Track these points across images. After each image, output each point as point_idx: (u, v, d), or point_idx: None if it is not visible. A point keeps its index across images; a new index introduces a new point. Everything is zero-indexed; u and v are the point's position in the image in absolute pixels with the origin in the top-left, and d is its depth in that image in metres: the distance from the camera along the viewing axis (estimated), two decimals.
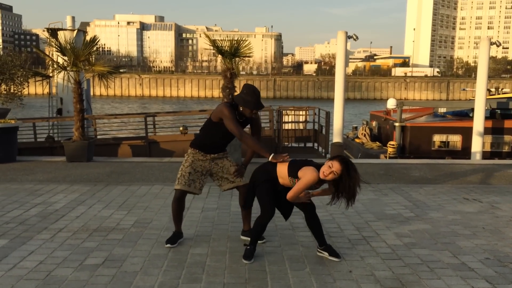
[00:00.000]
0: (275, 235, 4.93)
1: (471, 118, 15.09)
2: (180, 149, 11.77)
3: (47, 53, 11.44)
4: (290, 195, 4.05)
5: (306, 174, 3.91)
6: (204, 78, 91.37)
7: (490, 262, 4.24)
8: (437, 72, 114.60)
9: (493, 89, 31.45)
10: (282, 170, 4.10)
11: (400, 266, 4.11)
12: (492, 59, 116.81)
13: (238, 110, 4.35)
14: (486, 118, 14.75)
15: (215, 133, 4.45)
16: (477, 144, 13.58)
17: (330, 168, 3.85)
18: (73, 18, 14.08)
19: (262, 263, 4.15)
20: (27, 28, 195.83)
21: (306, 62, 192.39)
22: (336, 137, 11.41)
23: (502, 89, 35.78)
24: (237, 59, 10.23)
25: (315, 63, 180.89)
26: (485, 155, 14.78)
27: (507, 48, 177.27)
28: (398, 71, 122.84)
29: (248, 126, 4.57)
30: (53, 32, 12.58)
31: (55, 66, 10.17)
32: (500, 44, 15.11)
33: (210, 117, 4.46)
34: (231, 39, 10.16)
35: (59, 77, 12.03)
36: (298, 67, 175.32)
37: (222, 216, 5.65)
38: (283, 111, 13.15)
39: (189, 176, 4.49)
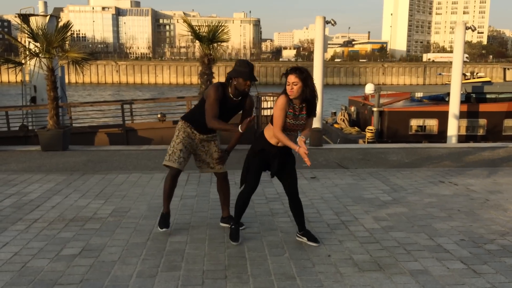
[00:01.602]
0: (254, 221, 4.93)
1: (447, 103, 15.34)
2: (158, 136, 11.65)
3: (19, 40, 11.12)
4: (274, 130, 3.96)
5: (276, 103, 3.98)
6: (182, 64, 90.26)
7: (465, 243, 4.32)
8: (466, 57, 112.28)
9: (468, 74, 31.96)
10: (268, 130, 4.08)
11: (378, 249, 4.16)
12: (468, 44, 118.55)
13: (230, 89, 4.27)
14: (462, 102, 15.02)
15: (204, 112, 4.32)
16: (453, 128, 13.83)
17: (289, 84, 3.88)
18: (45, 3, 13.68)
19: (241, 249, 4.15)
20: None
21: (285, 48, 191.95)
22: (315, 123, 11.43)
23: (477, 73, 36.41)
24: (215, 44, 10.13)
25: (294, 48, 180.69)
26: (461, 139, 15.08)
27: (482, 32, 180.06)
28: (425, 58, 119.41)
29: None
30: (25, 17, 12.19)
31: (27, 53, 9.90)
32: (475, 29, 15.32)
33: (203, 96, 4.41)
34: (208, 24, 10.04)
35: (32, 64, 11.69)
36: (277, 52, 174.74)
37: (201, 203, 5.62)
38: (262, 97, 13.10)
39: (180, 153, 4.41)
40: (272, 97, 14.43)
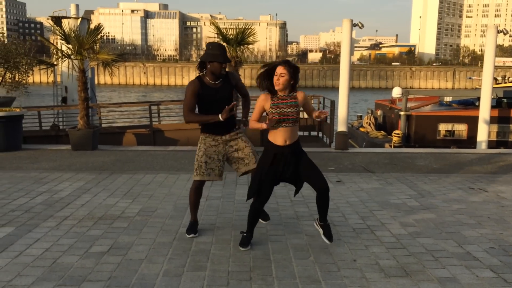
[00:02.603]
0: (279, 223, 4.94)
1: (477, 107, 14.98)
2: (184, 137, 11.77)
3: (52, 42, 11.42)
4: (250, 122, 4.05)
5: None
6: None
7: (495, 251, 4.23)
8: None
9: (499, 78, 31.17)
10: (270, 133, 4.06)
11: (405, 255, 4.11)
12: (499, 48, 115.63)
13: (207, 76, 4.29)
14: (492, 107, 14.64)
15: (208, 107, 4.33)
16: (483, 133, 13.49)
17: (276, 75, 3.90)
18: (77, 6, 14.01)
19: (266, 251, 4.16)
20: (31, 16, 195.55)
21: (311, 51, 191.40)
22: (341, 126, 11.36)
23: (509, 77, 35.47)
24: (242, 47, 10.18)
25: (320, 51, 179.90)
26: (491, 145, 14.71)
27: None
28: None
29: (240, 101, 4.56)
30: (57, 20, 12.53)
31: (60, 54, 10.15)
32: (507, 32, 14.94)
33: None
34: (236, 27, 10.10)
35: (63, 66, 11.99)
36: (302, 55, 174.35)
37: (226, 204, 5.66)
38: None
39: (205, 165, 4.38)
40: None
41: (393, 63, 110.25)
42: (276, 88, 3.92)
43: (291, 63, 3.97)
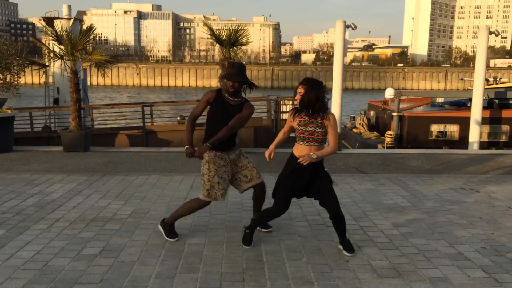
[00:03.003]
0: (272, 225, 4.92)
1: (469, 108, 15.08)
2: (177, 139, 11.74)
3: (44, 42, 11.35)
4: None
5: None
6: (202, 67, 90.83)
7: (486, 251, 4.25)
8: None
9: (491, 79, 31.41)
10: (296, 148, 4.13)
11: (397, 256, 4.12)
12: (491, 49, 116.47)
13: (227, 92, 4.32)
14: (484, 108, 14.76)
15: (216, 120, 4.29)
16: (475, 134, 13.58)
17: (299, 94, 4.00)
18: (69, 6, 13.95)
19: (259, 252, 4.15)
20: (23, 17, 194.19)
21: (304, 52, 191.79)
22: None
23: (500, 78, 35.75)
24: (235, 48, 10.17)
25: (313, 52, 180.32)
26: (483, 145, 14.81)
27: (506, 37, 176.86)
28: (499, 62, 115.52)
29: None
30: (50, 21, 12.46)
31: (52, 55, 10.09)
32: (499, 34, 15.04)
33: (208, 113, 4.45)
34: (229, 28, 10.09)
35: (55, 67, 11.92)
36: (296, 56, 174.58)
37: (219, 206, 5.64)
38: (281, 101, 13.10)
39: (218, 185, 4.28)
40: (291, 101, 14.43)
41: (398, 65, 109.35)
42: (297, 104, 4.05)
43: (309, 80, 4.02)
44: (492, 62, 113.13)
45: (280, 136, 4.32)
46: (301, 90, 3.98)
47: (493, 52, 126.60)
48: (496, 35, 14.54)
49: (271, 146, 4.22)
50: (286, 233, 4.68)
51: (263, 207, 4.69)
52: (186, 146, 4.28)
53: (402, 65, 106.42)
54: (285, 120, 13.83)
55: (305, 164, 3.94)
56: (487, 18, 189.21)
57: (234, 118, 4.26)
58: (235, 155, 4.44)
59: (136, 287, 3.45)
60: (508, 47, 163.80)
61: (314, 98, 3.94)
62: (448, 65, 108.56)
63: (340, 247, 4.23)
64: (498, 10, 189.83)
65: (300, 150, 4.05)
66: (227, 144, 4.35)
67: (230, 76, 4.26)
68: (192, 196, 6.03)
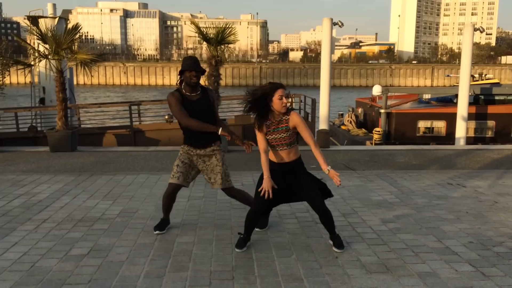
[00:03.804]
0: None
1: (455, 104, 15.25)
2: (165, 137, 11.69)
3: (28, 42, 11.21)
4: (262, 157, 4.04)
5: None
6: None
7: (473, 245, 4.30)
8: None
9: (476, 75, 31.75)
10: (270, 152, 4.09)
11: (385, 251, 4.15)
12: (476, 45, 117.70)
13: (184, 88, 4.36)
14: (470, 104, 14.93)
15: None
16: (461, 130, 13.74)
17: (281, 98, 3.89)
18: (54, 5, 13.79)
19: (249, 250, 4.15)
20: (7, 16, 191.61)
21: (292, 50, 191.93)
22: (322, 124, 11.44)
23: (486, 75, 36.17)
24: (222, 46, 10.14)
25: (301, 50, 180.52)
26: (469, 141, 14.98)
27: (491, 34, 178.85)
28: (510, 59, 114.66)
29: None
30: (34, 20, 12.31)
31: (37, 54, 9.97)
32: (484, 30, 15.23)
33: None
34: (216, 26, 10.06)
35: (41, 66, 11.79)
36: (284, 54, 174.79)
37: (208, 204, 5.63)
38: None
39: (177, 168, 4.46)
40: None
41: (370, 62, 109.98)
42: (283, 111, 3.93)
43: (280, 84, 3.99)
44: (504, 59, 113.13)
45: (264, 158, 4.02)
46: (284, 93, 3.90)
47: (478, 49, 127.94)
48: (481, 32, 14.72)
49: (268, 179, 3.94)
50: (275, 231, 4.69)
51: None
52: (219, 129, 4.25)
53: (383, 61, 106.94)
54: None
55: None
56: (472, 15, 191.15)
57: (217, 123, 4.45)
58: (204, 151, 4.46)
59: (125, 287, 3.43)
60: (493, 44, 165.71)
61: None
62: (434, 62, 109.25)
63: (330, 242, 4.24)
64: (483, 7, 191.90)
65: (275, 154, 4.07)
66: (201, 141, 4.41)
67: (190, 66, 4.29)
68: (181, 195, 6.01)
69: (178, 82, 4.45)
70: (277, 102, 3.89)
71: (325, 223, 4.17)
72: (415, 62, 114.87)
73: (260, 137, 4.04)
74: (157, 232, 4.57)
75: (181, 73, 4.36)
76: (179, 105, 4.28)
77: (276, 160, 4.08)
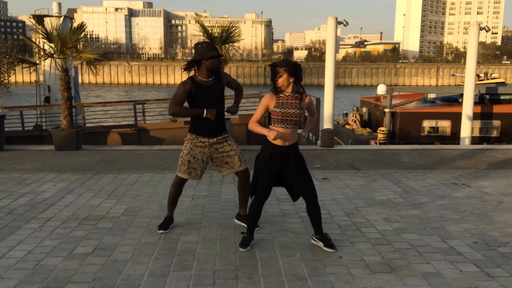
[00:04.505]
0: (265, 221, 4.93)
1: (460, 104, 15.19)
2: (170, 136, 11.70)
3: (34, 40, 11.25)
4: (251, 124, 4.06)
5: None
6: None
7: (478, 246, 4.28)
8: None
9: (482, 75, 31.65)
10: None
11: (390, 251, 4.14)
12: (482, 45, 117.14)
13: (200, 74, 4.35)
14: (475, 103, 14.84)
15: (203, 106, 4.35)
16: (466, 129, 13.68)
17: (277, 74, 3.94)
18: (59, 4, 13.81)
19: (252, 250, 4.15)
20: (13, 15, 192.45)
21: (297, 49, 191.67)
22: (327, 124, 11.42)
23: (491, 74, 36.00)
24: (227, 45, 10.15)
25: (306, 49, 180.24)
26: (474, 140, 14.91)
27: (496, 33, 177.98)
28: None
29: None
30: (39, 19, 12.34)
31: (42, 53, 10.01)
32: (489, 30, 15.14)
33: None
34: (221, 25, 10.06)
35: (46, 65, 11.83)
36: (288, 53, 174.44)
37: (212, 203, 5.63)
38: None
39: (188, 164, 4.46)
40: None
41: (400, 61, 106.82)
42: (278, 86, 3.96)
43: (289, 61, 4.00)
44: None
45: (255, 123, 4.09)
46: (280, 69, 3.93)
47: (484, 48, 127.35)
48: (487, 31, 14.64)
49: (270, 129, 4.00)
50: (279, 230, 4.69)
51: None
52: (204, 110, 4.29)
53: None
54: None
55: (289, 144, 3.98)
56: (477, 14, 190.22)
57: (238, 91, 4.68)
58: (216, 139, 4.48)
59: (129, 285, 3.44)
60: (499, 43, 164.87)
61: (299, 78, 3.97)
62: (440, 61, 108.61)
63: (319, 244, 4.18)
64: (489, 6, 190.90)
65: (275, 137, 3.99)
66: (212, 130, 4.43)
67: (217, 52, 4.33)
68: (185, 194, 6.02)
69: (186, 68, 4.39)
70: (278, 79, 3.95)
71: (313, 217, 4.15)
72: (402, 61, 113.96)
73: (262, 108, 4.05)
74: (161, 231, 4.58)
75: (197, 61, 4.31)
76: (181, 95, 4.28)
77: (278, 142, 4.02)
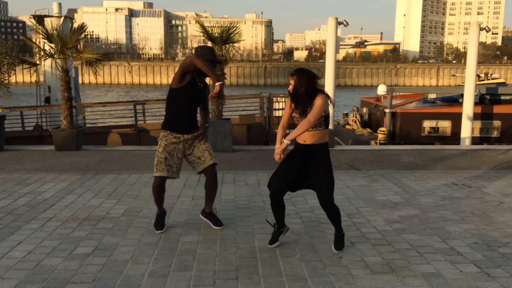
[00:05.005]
0: (265, 222, 4.92)
1: (461, 104, 15.19)
2: None
3: (34, 41, 11.25)
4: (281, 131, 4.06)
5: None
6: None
7: (478, 246, 4.28)
8: None
9: (482, 75, 31.62)
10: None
11: (390, 252, 4.14)
12: (482, 45, 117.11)
13: (202, 76, 4.47)
14: (476, 103, 14.85)
15: (178, 102, 4.42)
16: (467, 130, 13.69)
17: (290, 85, 3.96)
18: (59, 4, 13.81)
19: (252, 250, 4.15)
20: (13, 15, 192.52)
21: (297, 49, 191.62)
22: None
23: (492, 74, 36.01)
24: (227, 45, 10.14)
25: (306, 49, 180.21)
26: (474, 141, 14.91)
27: (497, 33, 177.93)
28: None
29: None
30: (40, 19, 12.34)
31: (42, 53, 10.01)
32: (490, 30, 15.15)
33: (170, 86, 4.46)
34: (221, 25, 10.06)
35: (46, 65, 11.84)
36: (288, 53, 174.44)
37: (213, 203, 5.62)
38: (274, 98, 13.10)
39: (165, 161, 4.47)
40: (283, 98, 14.41)
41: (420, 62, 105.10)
42: (290, 91, 3.99)
43: (300, 71, 3.96)
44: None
45: (280, 131, 4.07)
46: (291, 80, 3.95)
47: (484, 48, 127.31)
48: (487, 31, 14.65)
49: (277, 148, 3.95)
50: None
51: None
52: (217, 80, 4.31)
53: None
54: (278, 117, 13.81)
55: (279, 154, 3.89)
56: (478, 14, 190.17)
57: (205, 112, 4.72)
58: (191, 135, 4.52)
59: (129, 286, 3.43)
60: (499, 43, 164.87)
61: (304, 92, 3.89)
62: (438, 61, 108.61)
63: (333, 239, 4.20)
64: (489, 6, 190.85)
65: (300, 136, 3.98)
66: (186, 127, 4.49)
67: (218, 58, 4.48)
68: (185, 194, 6.03)
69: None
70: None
71: (331, 219, 4.11)
72: (422, 61, 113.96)
73: (286, 111, 4.10)
74: (159, 231, 4.57)
75: (216, 62, 4.45)
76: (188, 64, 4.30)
77: (300, 140, 4.01)
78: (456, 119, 15.42)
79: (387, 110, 17.12)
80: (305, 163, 4.02)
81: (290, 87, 3.97)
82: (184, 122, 4.47)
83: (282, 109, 14.30)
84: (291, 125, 4.19)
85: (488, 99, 17.47)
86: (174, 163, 4.51)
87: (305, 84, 3.89)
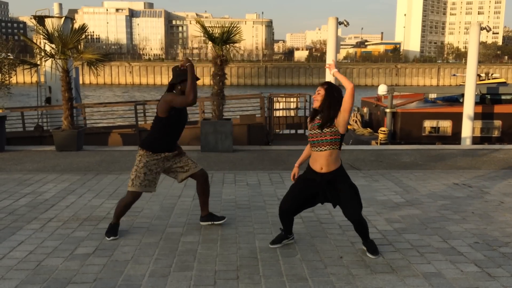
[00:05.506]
0: (266, 222, 4.94)
1: (461, 104, 15.19)
2: None
3: (35, 41, 11.26)
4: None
5: None
6: (195, 65, 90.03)
7: (479, 246, 4.28)
8: None
9: (483, 75, 31.64)
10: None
11: (391, 251, 4.13)
12: (482, 45, 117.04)
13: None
14: (476, 103, 14.86)
15: (165, 129, 4.41)
16: (467, 129, 13.69)
17: (317, 92, 3.90)
18: (60, 5, 13.84)
19: (253, 250, 4.15)
20: (14, 15, 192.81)
21: (297, 49, 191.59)
22: None
23: (492, 74, 35.99)
24: (227, 45, 10.14)
25: (306, 49, 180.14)
26: (475, 140, 14.91)
27: (497, 33, 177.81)
28: None
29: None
30: (40, 19, 12.36)
31: (43, 54, 10.02)
32: (490, 29, 15.15)
33: (157, 114, 4.41)
34: (222, 25, 10.06)
35: (47, 65, 11.86)
36: (289, 53, 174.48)
37: (213, 204, 5.63)
38: (274, 98, 13.10)
39: (144, 176, 4.41)
40: (284, 98, 14.42)
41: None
42: (315, 104, 3.91)
43: (332, 84, 3.97)
44: None
45: (306, 151, 4.12)
46: (320, 88, 3.88)
47: (485, 48, 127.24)
48: (488, 31, 14.65)
49: (295, 166, 4.15)
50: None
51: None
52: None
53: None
54: (278, 117, 13.78)
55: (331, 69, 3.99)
56: (478, 14, 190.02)
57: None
58: (173, 153, 4.56)
59: (130, 286, 3.44)
60: (500, 43, 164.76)
61: (331, 114, 3.82)
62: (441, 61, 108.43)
63: (364, 248, 4.13)
64: (490, 6, 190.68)
65: (314, 160, 3.93)
66: (168, 147, 4.50)
67: (185, 77, 4.36)
68: (186, 194, 6.03)
69: (171, 86, 4.42)
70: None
71: (358, 231, 4.04)
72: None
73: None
74: (111, 238, 4.40)
75: (182, 81, 4.33)
76: (174, 97, 4.30)
77: (315, 167, 3.93)
78: (456, 119, 15.42)
79: (387, 110, 17.12)
80: (328, 189, 3.96)
81: (319, 96, 3.87)
82: (166, 145, 4.48)
83: (282, 109, 14.31)
84: (303, 136, 4.20)
85: (488, 98, 17.47)
86: (152, 178, 4.48)
87: (335, 93, 3.92)
